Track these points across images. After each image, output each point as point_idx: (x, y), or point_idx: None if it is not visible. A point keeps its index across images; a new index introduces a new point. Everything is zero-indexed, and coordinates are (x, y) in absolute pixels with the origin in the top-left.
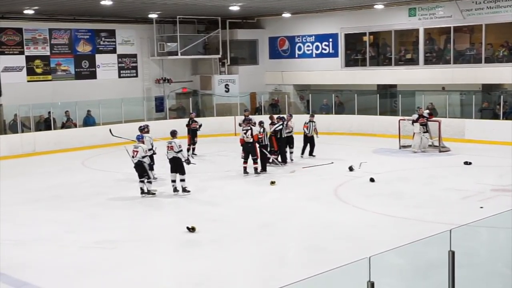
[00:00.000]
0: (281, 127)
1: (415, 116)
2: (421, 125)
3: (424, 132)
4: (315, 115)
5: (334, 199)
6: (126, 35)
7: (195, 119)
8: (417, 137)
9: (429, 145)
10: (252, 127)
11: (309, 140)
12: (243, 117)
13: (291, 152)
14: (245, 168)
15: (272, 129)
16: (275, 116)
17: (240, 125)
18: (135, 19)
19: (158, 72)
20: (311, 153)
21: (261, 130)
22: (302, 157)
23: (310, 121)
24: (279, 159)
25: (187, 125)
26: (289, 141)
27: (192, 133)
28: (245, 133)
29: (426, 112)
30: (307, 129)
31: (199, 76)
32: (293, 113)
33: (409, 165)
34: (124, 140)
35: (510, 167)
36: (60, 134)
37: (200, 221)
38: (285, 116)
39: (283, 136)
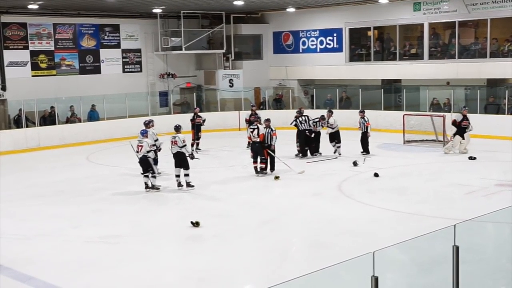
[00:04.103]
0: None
1: (459, 117)
2: (463, 127)
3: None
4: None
5: (338, 194)
6: (130, 30)
7: (199, 114)
8: (467, 137)
9: (433, 140)
10: (259, 126)
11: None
12: (249, 112)
13: (338, 147)
14: (255, 168)
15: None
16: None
17: (246, 121)
18: (139, 14)
19: (162, 67)
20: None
21: (269, 130)
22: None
23: (362, 117)
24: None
25: (191, 120)
26: (336, 137)
27: (196, 128)
28: (252, 132)
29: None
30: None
31: (203, 71)
32: (298, 108)
33: (413, 160)
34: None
35: None
36: (65, 129)
37: (204, 216)
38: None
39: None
